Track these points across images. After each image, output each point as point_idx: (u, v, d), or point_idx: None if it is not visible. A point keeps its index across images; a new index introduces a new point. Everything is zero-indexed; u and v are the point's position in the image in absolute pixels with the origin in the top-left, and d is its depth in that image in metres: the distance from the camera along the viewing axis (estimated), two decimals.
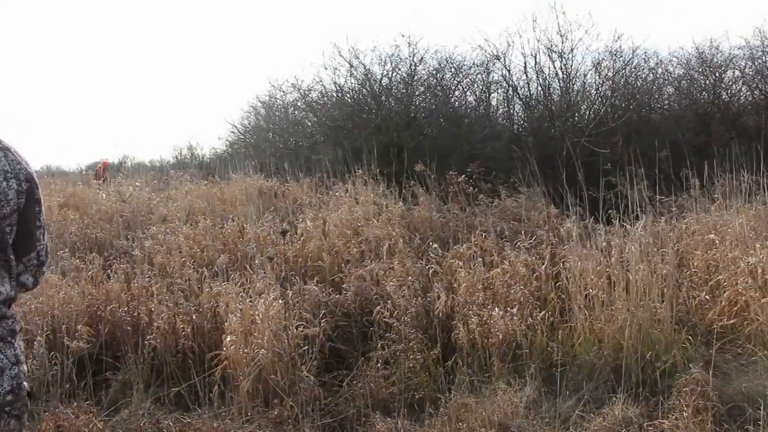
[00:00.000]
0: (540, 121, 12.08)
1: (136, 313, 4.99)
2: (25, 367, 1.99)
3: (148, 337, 4.72)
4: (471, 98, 13.22)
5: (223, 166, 12.34)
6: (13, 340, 1.94)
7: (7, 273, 1.93)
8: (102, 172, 14.07)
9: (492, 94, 13.14)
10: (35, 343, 4.68)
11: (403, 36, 12.39)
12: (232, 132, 18.16)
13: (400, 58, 12.25)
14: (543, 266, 5.30)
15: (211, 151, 19.47)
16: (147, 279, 5.48)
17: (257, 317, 4.42)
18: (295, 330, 4.41)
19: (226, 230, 6.92)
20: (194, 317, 4.87)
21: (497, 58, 12.11)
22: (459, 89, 13.03)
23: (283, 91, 14.76)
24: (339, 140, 11.18)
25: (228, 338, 4.32)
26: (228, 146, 18.47)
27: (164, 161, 19.27)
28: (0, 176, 1.85)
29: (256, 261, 5.48)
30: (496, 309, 4.68)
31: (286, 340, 4.27)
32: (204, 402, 4.27)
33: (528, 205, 7.63)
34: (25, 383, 1.97)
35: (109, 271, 5.91)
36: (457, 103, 13.00)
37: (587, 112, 12.07)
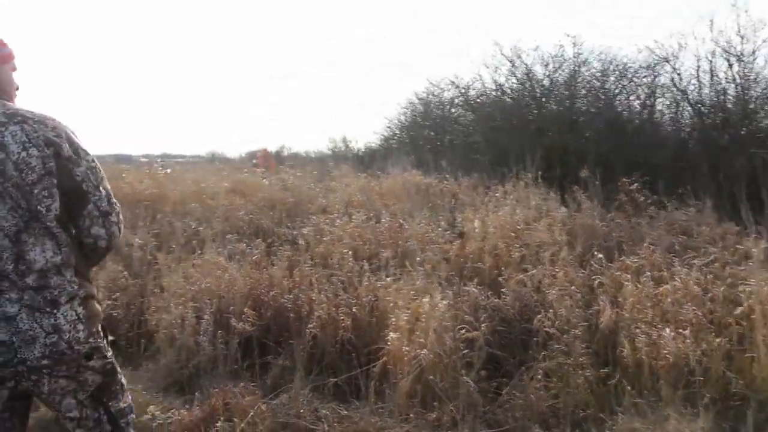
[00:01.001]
0: (712, 129, 11.35)
1: (298, 301, 5.09)
2: (80, 334, 2.00)
3: (309, 325, 4.80)
4: (635, 102, 12.67)
5: (380, 159, 12.52)
6: (54, 310, 1.95)
7: (50, 240, 1.97)
8: (263, 160, 14.63)
9: (658, 99, 12.53)
10: (203, 321, 4.92)
11: (568, 36, 12.10)
12: (388, 127, 18.48)
13: (564, 59, 11.95)
14: (721, 288, 4.91)
15: (366, 145, 19.93)
16: (309, 268, 5.61)
17: (422, 316, 4.39)
18: (458, 332, 4.35)
19: (383, 225, 6.98)
20: (354, 309, 4.92)
21: (666, 60, 11.52)
22: (623, 93, 12.51)
23: (441, 89, 14.78)
24: (498, 140, 11.03)
25: (393, 335, 4.31)
26: (383, 141, 18.81)
27: (320, 152, 19.85)
28: (19, 147, 1.93)
29: (417, 258, 5.46)
30: (667, 329, 4.39)
31: (448, 342, 4.21)
32: (363, 396, 4.28)
33: (699, 219, 7.18)
34: (77, 347, 1.99)
35: (272, 257, 6.10)
36: (620, 107, 12.48)
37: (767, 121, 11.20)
